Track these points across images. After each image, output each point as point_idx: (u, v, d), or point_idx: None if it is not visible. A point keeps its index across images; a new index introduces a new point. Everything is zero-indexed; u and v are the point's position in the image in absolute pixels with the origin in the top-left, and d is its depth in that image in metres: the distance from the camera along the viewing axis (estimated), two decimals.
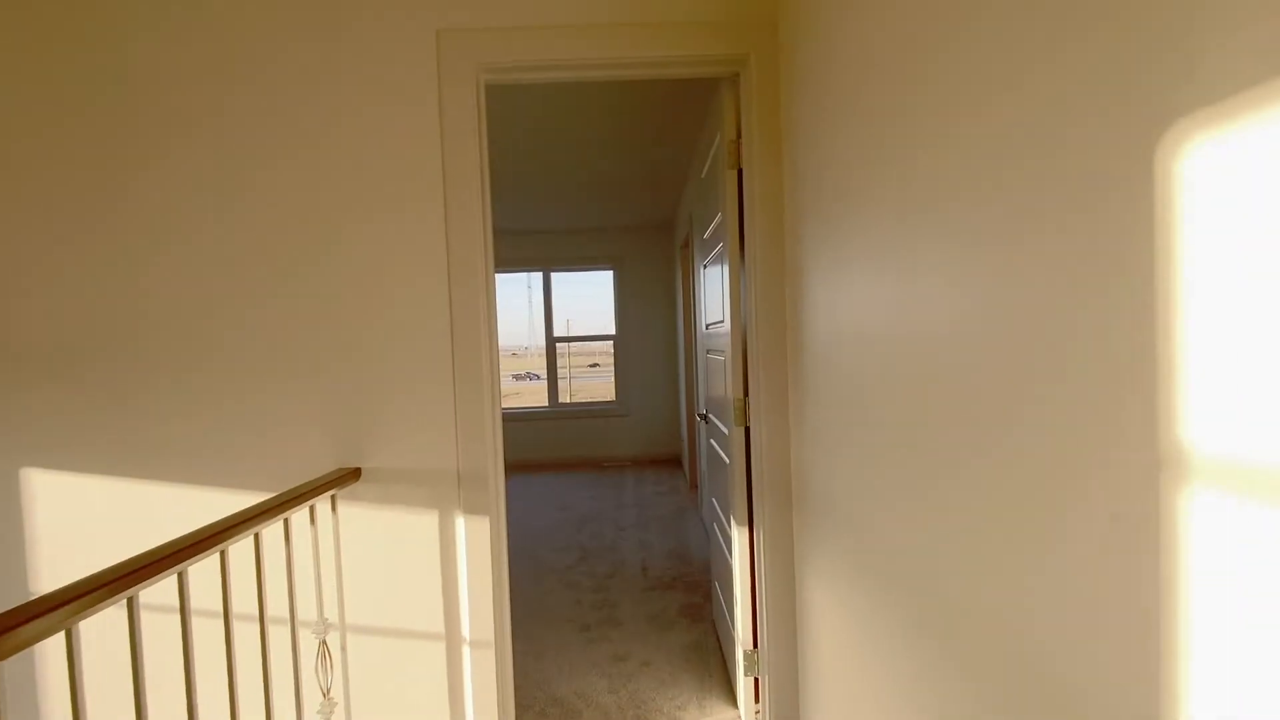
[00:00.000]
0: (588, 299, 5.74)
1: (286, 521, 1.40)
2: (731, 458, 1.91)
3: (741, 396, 1.84)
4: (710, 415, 2.45)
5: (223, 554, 1.17)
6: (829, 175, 1.29)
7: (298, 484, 1.57)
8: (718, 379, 2.21)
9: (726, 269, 1.90)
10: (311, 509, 1.52)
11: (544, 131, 3.15)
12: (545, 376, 6.25)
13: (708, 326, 2.52)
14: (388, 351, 1.70)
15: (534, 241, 6.02)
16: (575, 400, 6.26)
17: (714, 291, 2.25)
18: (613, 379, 6.23)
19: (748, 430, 1.83)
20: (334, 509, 1.64)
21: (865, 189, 1.08)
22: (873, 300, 1.07)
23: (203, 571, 1.14)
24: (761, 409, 1.73)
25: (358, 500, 1.71)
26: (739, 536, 1.86)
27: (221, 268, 1.67)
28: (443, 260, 1.70)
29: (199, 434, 1.68)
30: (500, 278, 6.41)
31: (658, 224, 5.85)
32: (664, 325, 6.08)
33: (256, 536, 1.28)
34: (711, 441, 2.44)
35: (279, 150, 1.66)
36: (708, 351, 2.54)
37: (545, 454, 6.09)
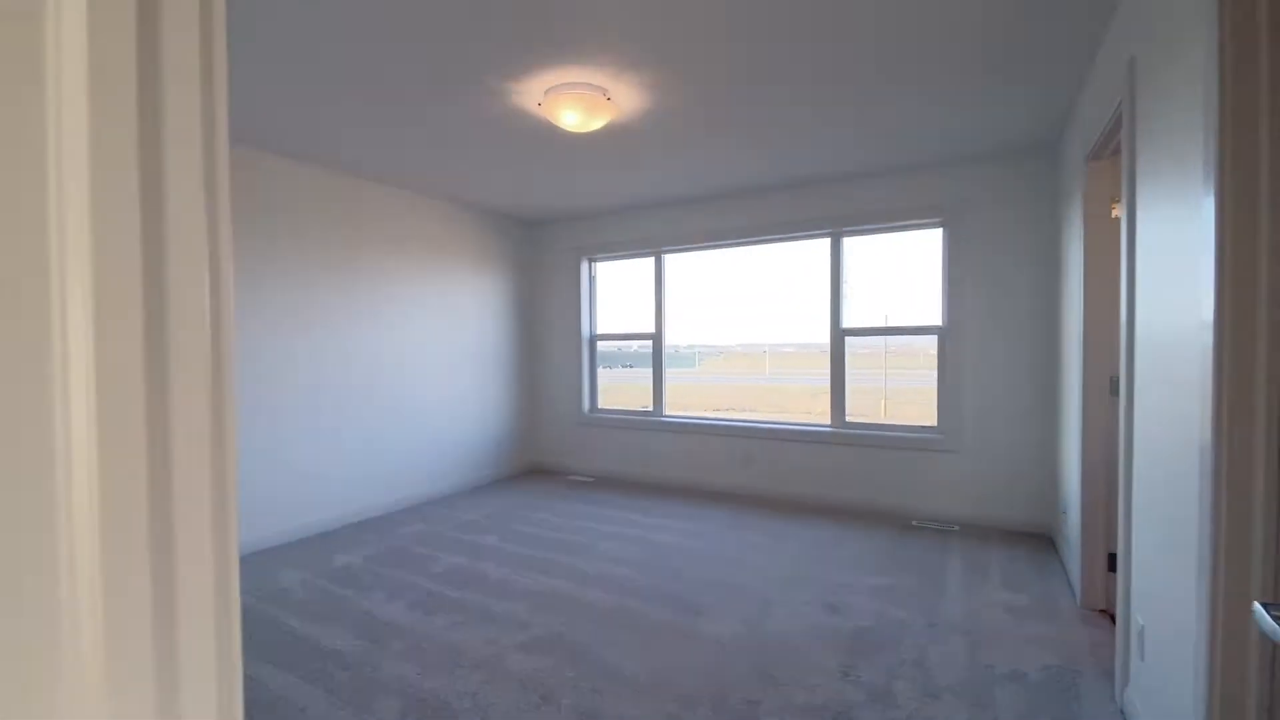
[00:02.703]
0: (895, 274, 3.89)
1: None
2: None
3: None
4: None
5: None
6: None
7: None
8: None
9: None
10: None
11: None
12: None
13: None
14: None
15: (818, 196, 4.31)
16: (881, 421, 4.33)
17: None
18: (934, 394, 4.11)
19: None
20: None
21: None
22: None
23: None
24: None
25: None
26: None
27: None
28: None
29: None
30: (783, 246, 4.95)
31: (1025, 147, 3.52)
32: (1033, 312, 3.70)
33: None
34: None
35: None
36: None
37: (822, 492, 4.34)
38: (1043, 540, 3.55)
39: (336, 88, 2.66)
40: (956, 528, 3.82)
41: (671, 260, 5.08)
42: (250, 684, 2.09)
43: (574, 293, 5.41)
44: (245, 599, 2.79)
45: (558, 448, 5.54)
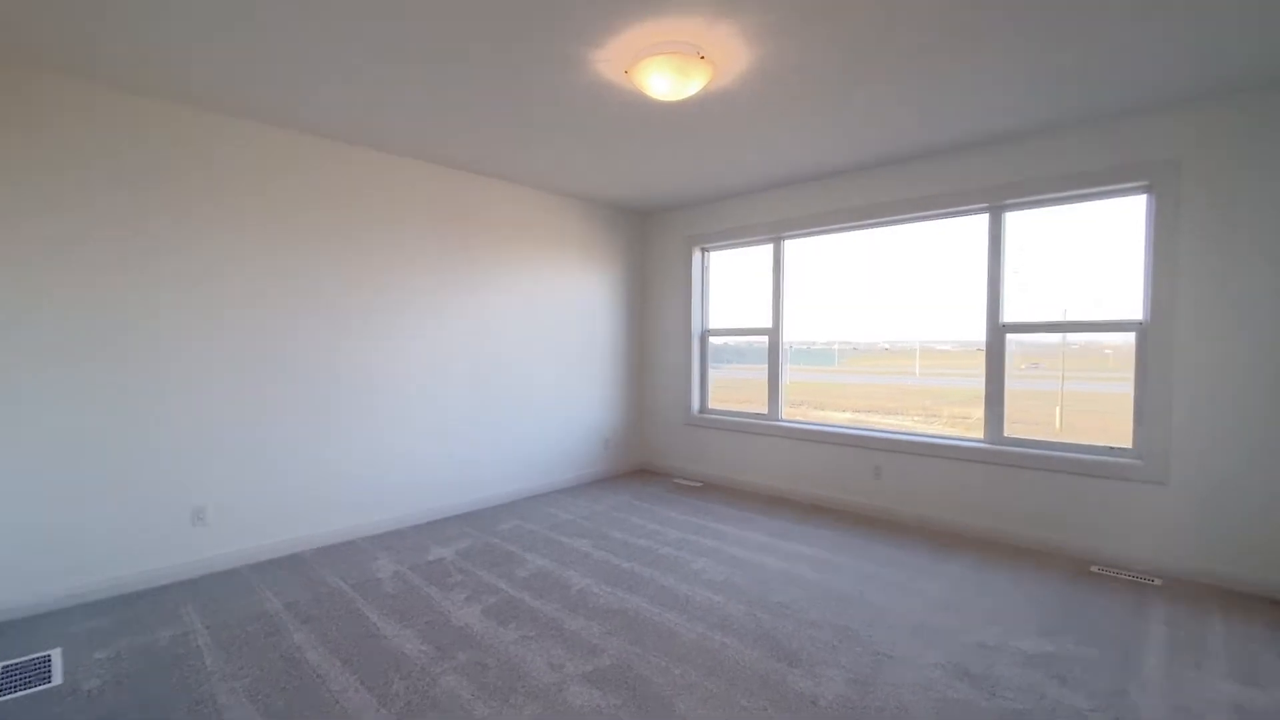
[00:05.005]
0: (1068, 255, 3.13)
1: None
2: None
3: None
4: None
5: None
6: None
7: None
8: None
9: None
10: None
11: None
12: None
13: None
14: None
15: (971, 162, 3.58)
16: (1054, 438, 3.51)
17: None
18: (1129, 405, 3.23)
19: None
20: None
21: None
22: None
23: None
24: None
25: None
26: None
27: None
28: None
29: None
30: (928, 226, 4.17)
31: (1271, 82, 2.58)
32: None
33: None
34: None
35: None
36: None
37: (970, 520, 3.63)
38: None
39: (413, 74, 2.59)
40: (1158, 581, 2.95)
41: (793, 247, 4.57)
42: (313, 679, 2.06)
43: (684, 285, 5.10)
44: (338, 585, 2.85)
45: (666, 448, 5.28)
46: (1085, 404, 3.87)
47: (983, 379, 3.71)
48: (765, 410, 4.68)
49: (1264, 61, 2.48)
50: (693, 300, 5.06)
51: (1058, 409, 4.09)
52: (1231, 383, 2.86)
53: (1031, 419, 3.80)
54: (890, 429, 4.15)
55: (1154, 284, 3.06)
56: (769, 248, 4.65)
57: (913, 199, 3.82)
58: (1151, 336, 3.07)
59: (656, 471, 5.32)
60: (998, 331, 3.65)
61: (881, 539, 3.53)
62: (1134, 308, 3.19)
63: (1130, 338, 3.20)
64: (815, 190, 4.26)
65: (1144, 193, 3.14)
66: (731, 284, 5.02)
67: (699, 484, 4.87)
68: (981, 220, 3.68)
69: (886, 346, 4.55)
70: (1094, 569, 3.11)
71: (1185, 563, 2.98)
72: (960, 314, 3.83)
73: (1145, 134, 3.04)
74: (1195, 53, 2.41)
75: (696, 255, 5.07)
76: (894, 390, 5.12)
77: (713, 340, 5.12)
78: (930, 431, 4.01)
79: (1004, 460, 3.52)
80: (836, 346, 4.73)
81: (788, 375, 4.66)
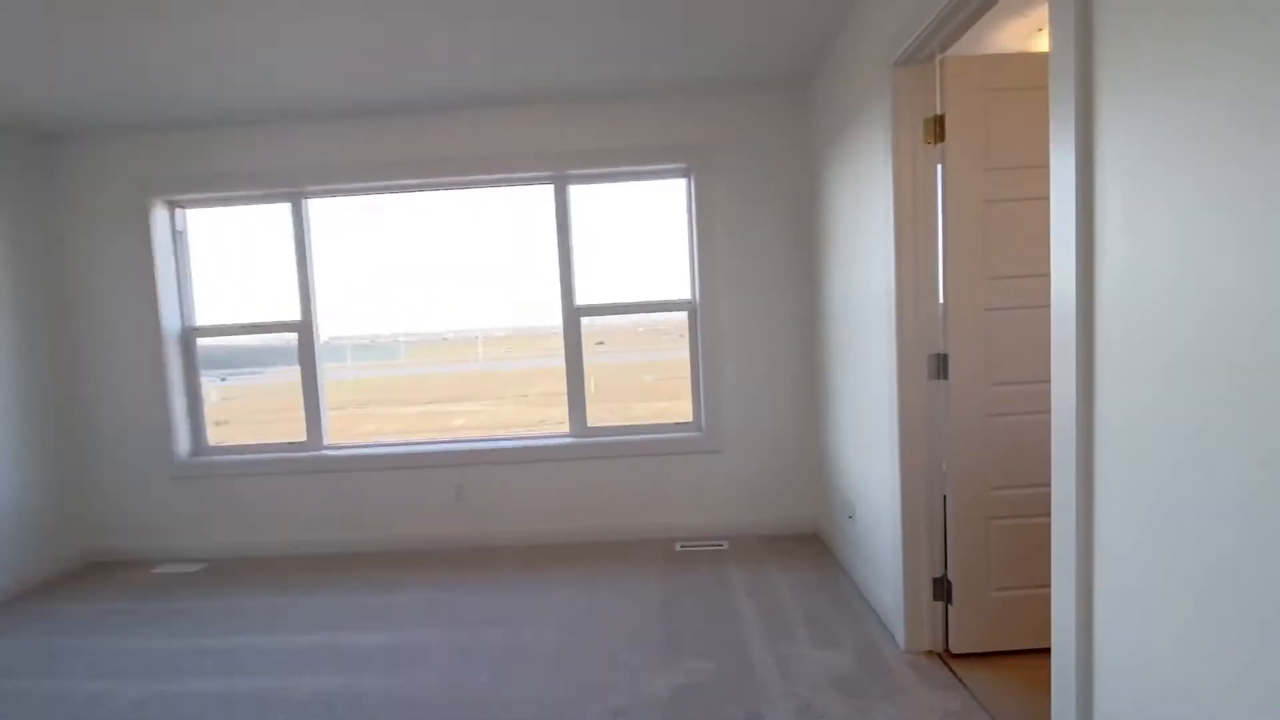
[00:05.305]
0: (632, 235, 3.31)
1: None
2: None
3: None
4: None
5: None
6: None
7: None
8: None
9: None
10: None
11: None
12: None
13: None
14: None
15: (539, 125, 3.13)
16: (628, 423, 3.38)
17: None
18: (688, 383, 3.36)
19: None
20: None
21: None
22: None
23: None
24: None
25: None
26: None
27: None
28: None
29: None
30: (491, 194, 3.04)
31: (779, 78, 2.91)
32: (794, 278, 3.17)
33: None
34: None
35: None
36: None
37: (570, 525, 3.27)
38: (812, 542, 3.08)
39: None
40: (724, 544, 3.13)
41: (322, 209, 3.34)
42: None
43: (144, 260, 3.22)
44: None
45: (137, 520, 3.33)
46: (617, 379, 3.88)
47: (535, 357, 3.40)
48: (305, 438, 3.36)
49: (774, 62, 2.69)
50: (161, 283, 3.24)
51: (592, 380, 3.91)
52: (760, 355, 3.20)
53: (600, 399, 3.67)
54: (470, 437, 3.45)
55: (699, 265, 3.20)
56: (286, 207, 3.29)
57: (474, 157, 3.15)
58: (700, 314, 3.22)
59: (122, 561, 3.31)
60: (573, 314, 3.35)
61: (476, 582, 2.81)
62: (686, 288, 3.30)
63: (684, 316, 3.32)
64: (347, 130, 3.15)
65: (683, 175, 3.25)
66: (233, 259, 3.44)
67: (200, 566, 3.19)
68: (548, 191, 3.30)
69: (453, 336, 3.85)
70: (678, 547, 3.12)
71: (738, 518, 3.25)
72: (533, 294, 3.40)
73: (683, 115, 3.11)
74: (714, 45, 2.41)
75: (162, 213, 3.26)
76: (460, 378, 4.55)
77: (208, 343, 3.43)
78: (512, 434, 3.49)
79: (591, 453, 3.26)
80: (402, 339, 3.80)
81: (328, 386, 3.45)
